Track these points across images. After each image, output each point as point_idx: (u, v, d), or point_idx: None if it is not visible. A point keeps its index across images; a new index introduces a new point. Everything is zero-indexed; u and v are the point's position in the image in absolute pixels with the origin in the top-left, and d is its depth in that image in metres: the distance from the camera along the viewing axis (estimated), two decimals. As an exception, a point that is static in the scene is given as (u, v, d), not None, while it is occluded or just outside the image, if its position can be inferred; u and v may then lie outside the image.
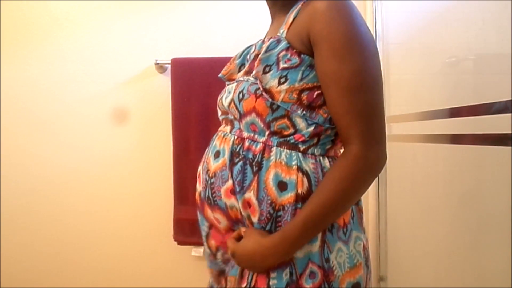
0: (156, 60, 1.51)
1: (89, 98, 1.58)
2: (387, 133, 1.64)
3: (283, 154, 0.71)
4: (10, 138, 1.57)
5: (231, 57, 1.49)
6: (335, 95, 0.69)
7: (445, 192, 1.60)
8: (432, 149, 1.59)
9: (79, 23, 1.57)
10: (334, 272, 0.70)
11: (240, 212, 0.73)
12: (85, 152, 1.58)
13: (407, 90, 1.57)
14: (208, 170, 0.78)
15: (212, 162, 0.78)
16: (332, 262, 0.70)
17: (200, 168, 0.83)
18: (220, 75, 0.87)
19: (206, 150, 0.84)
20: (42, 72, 1.57)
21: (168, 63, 1.52)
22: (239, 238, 0.74)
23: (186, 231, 1.50)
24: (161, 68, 1.56)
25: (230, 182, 0.73)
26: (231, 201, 0.74)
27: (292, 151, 0.72)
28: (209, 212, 0.79)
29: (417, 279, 1.57)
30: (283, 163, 0.71)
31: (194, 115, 1.50)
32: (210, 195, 0.77)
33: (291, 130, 0.72)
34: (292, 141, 0.72)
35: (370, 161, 0.68)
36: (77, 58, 1.57)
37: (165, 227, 1.56)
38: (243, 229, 0.74)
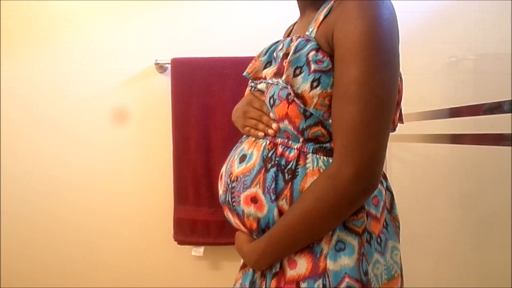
0: (156, 60, 1.51)
1: (89, 98, 1.58)
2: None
3: (320, 161, 0.67)
4: (10, 138, 1.57)
5: (231, 57, 1.51)
6: (332, 103, 0.64)
7: (445, 192, 1.60)
8: (432, 149, 1.59)
9: (79, 23, 1.57)
10: (372, 284, 0.67)
11: (258, 222, 0.70)
12: (85, 152, 1.58)
13: (407, 90, 1.55)
14: (231, 173, 0.74)
15: (236, 166, 0.74)
16: (370, 274, 0.67)
17: (223, 169, 0.79)
18: (244, 73, 0.81)
19: (231, 151, 0.80)
20: (42, 72, 1.57)
21: (168, 63, 1.52)
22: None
23: (186, 231, 1.50)
24: (161, 68, 1.56)
25: (253, 189, 0.69)
26: (249, 209, 0.70)
27: (330, 158, 0.67)
28: (230, 216, 0.77)
29: (417, 279, 1.56)
30: (322, 170, 0.67)
31: (194, 115, 1.50)
32: (229, 200, 0.74)
33: (327, 137, 0.68)
34: (329, 147, 0.68)
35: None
36: (77, 58, 1.57)
37: (165, 227, 1.56)
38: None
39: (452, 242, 1.61)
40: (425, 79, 1.58)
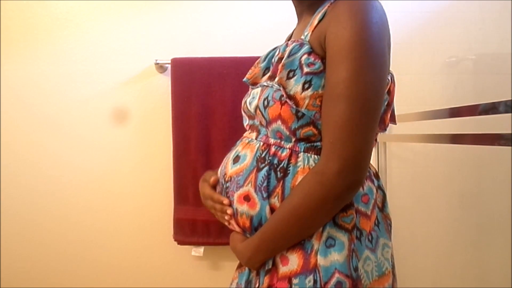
0: (156, 60, 1.51)
1: (89, 98, 1.58)
2: (387, 132, 1.63)
3: (311, 159, 0.69)
4: (10, 137, 1.57)
5: (231, 57, 1.51)
6: (322, 102, 0.66)
7: (445, 192, 1.60)
8: (432, 149, 1.59)
9: (79, 23, 1.57)
10: (362, 281, 0.68)
11: (251, 220, 0.72)
12: (85, 152, 1.58)
13: (407, 90, 1.57)
14: (225, 174, 0.77)
15: (230, 167, 0.77)
16: (360, 270, 0.68)
17: (218, 171, 0.82)
18: (244, 79, 0.83)
19: (227, 154, 0.82)
20: (42, 72, 1.57)
21: (168, 63, 1.52)
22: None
23: (186, 231, 1.50)
24: (161, 68, 1.56)
25: (246, 188, 0.71)
26: (242, 207, 0.72)
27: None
28: None
29: (417, 279, 1.57)
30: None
31: (194, 115, 1.50)
32: None
33: (318, 137, 0.70)
34: (320, 146, 0.69)
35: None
36: (77, 58, 1.57)
37: (165, 227, 1.56)
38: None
39: (452, 242, 1.61)
40: (425, 79, 1.58)
